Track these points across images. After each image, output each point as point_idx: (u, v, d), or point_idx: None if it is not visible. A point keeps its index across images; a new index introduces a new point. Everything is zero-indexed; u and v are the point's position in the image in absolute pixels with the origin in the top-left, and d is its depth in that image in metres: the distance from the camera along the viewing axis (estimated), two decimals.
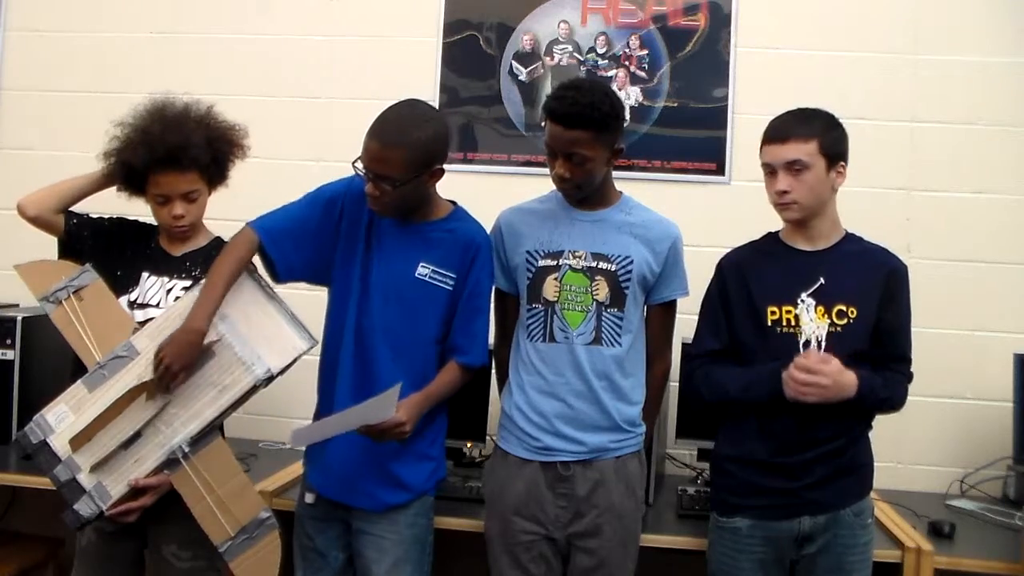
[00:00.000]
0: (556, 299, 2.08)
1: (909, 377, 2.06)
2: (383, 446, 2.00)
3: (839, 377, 1.91)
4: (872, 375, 1.97)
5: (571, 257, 2.09)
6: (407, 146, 1.92)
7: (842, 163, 2.01)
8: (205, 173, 2.13)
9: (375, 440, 1.96)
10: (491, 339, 2.20)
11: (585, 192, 2.09)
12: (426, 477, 2.11)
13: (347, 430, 1.94)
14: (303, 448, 2.15)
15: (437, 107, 3.05)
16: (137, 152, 2.06)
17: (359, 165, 1.96)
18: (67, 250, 2.16)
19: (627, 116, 2.98)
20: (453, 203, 2.16)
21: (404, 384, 1.94)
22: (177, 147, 2.05)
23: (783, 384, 1.93)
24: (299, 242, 2.07)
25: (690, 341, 2.35)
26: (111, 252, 2.15)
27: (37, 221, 2.14)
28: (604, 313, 2.07)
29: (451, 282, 2.08)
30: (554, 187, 2.12)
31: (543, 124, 2.06)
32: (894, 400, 2.03)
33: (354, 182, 2.06)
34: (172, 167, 2.06)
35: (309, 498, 2.12)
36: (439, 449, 2.17)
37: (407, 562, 2.07)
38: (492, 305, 2.19)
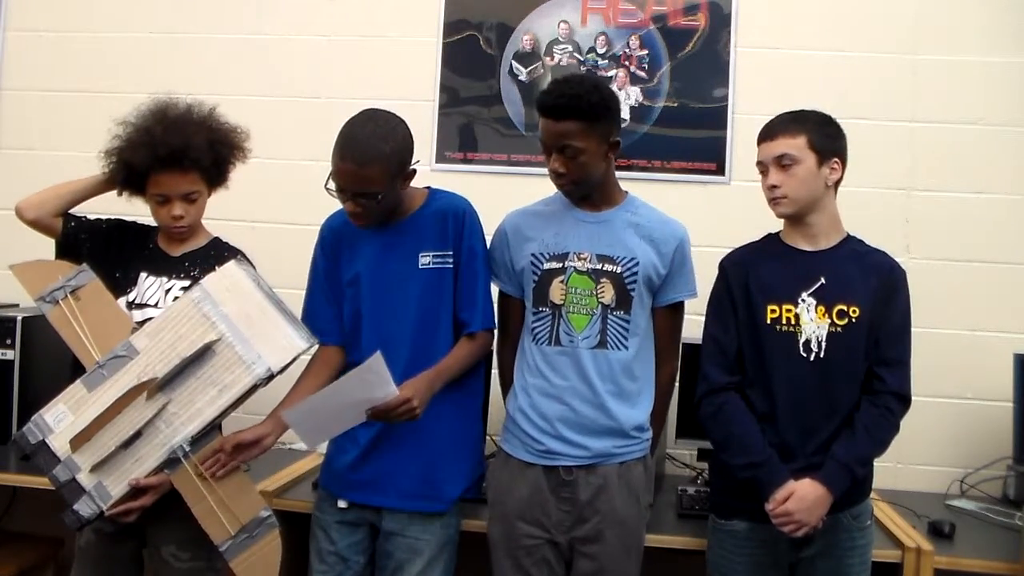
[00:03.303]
0: (563, 302, 2.07)
1: (899, 394, 1.98)
2: (422, 452, 2.04)
3: (806, 506, 1.90)
4: (845, 449, 1.93)
5: (576, 259, 2.08)
6: (381, 161, 1.95)
7: (836, 160, 2.01)
8: (205, 174, 2.13)
9: (385, 422, 1.95)
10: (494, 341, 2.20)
11: (584, 189, 2.08)
12: (463, 488, 2.14)
13: (354, 420, 1.93)
14: (320, 449, 2.12)
15: (437, 107, 3.08)
16: (138, 152, 2.06)
17: (331, 186, 1.99)
18: (64, 252, 2.16)
19: (622, 109, 3.00)
20: (428, 188, 2.18)
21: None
22: (179, 148, 2.05)
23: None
24: (336, 314, 2.16)
25: (692, 341, 2.34)
26: (109, 253, 2.15)
27: (36, 224, 2.14)
28: (610, 316, 2.06)
29: (451, 260, 2.10)
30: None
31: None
32: (883, 445, 1.98)
33: (322, 227, 2.17)
34: (173, 167, 2.06)
35: (342, 503, 2.11)
36: (478, 455, 2.22)
37: (439, 562, 2.09)
38: (496, 303, 2.19)
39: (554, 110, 1.99)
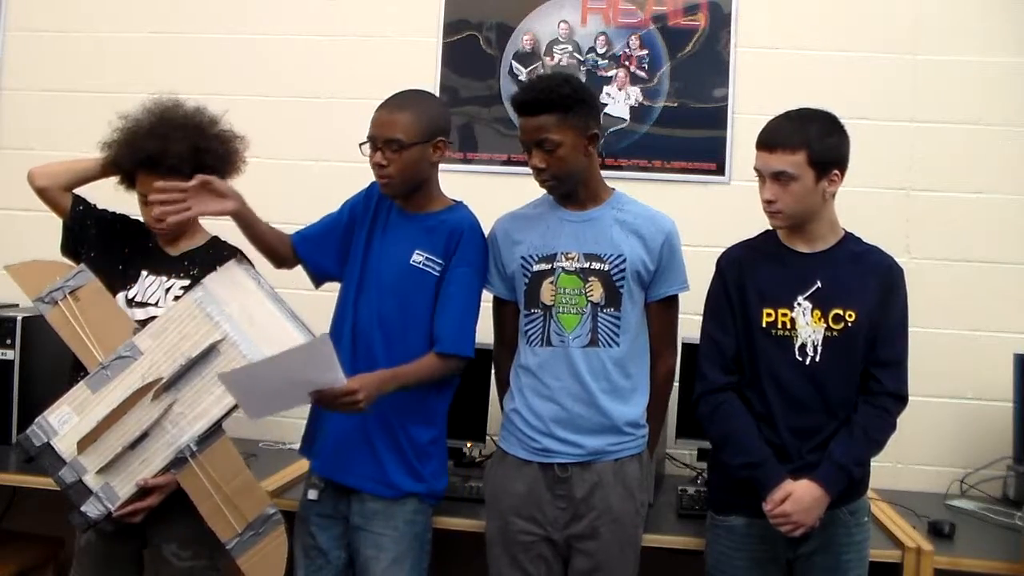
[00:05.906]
0: (553, 303, 2.07)
1: (896, 394, 1.98)
2: (376, 432, 2.04)
3: (803, 507, 1.90)
4: (842, 449, 1.93)
5: (564, 259, 2.08)
6: (412, 110, 2.04)
7: (836, 171, 1.96)
8: (187, 181, 2.10)
9: (326, 408, 1.95)
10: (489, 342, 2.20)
11: (566, 185, 2.08)
12: (414, 481, 2.09)
13: (298, 399, 1.91)
14: (257, 419, 2.01)
15: None
16: (121, 151, 2.07)
17: (366, 147, 2.05)
18: (71, 235, 2.16)
19: (623, 109, 3.03)
20: (458, 202, 2.19)
21: None
22: (155, 153, 2.03)
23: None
24: (325, 242, 2.21)
25: (691, 340, 2.34)
26: (113, 245, 2.15)
27: (44, 193, 2.13)
28: (600, 314, 2.06)
29: (439, 269, 2.10)
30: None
31: None
32: (880, 445, 1.98)
33: (372, 187, 2.17)
34: (154, 170, 2.04)
35: (312, 494, 2.13)
36: (435, 458, 2.15)
37: (406, 559, 2.08)
38: (492, 309, 2.20)
39: (527, 105, 2.02)
